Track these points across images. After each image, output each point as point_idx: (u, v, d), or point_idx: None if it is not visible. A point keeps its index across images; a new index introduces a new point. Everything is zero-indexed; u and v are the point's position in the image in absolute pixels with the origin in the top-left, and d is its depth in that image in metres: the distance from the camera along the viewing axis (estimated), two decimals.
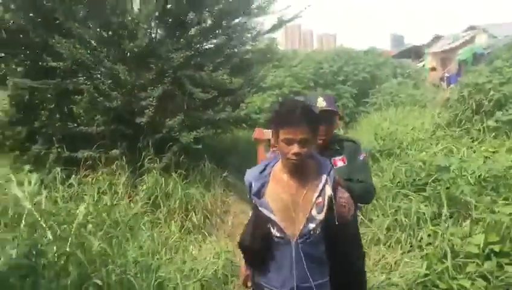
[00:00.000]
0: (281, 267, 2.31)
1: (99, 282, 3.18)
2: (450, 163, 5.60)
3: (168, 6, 6.74)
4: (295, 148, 2.19)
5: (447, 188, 5.21)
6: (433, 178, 5.57)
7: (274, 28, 8.21)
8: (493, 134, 7.59)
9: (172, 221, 5.91)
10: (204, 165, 7.09)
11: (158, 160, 6.53)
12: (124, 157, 6.45)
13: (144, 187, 6.23)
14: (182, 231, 5.82)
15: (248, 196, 2.41)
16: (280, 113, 2.28)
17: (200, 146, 6.59)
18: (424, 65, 28.80)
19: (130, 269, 3.79)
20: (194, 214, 6.21)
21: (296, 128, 2.17)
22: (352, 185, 2.69)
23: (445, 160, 5.81)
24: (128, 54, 6.45)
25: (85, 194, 5.52)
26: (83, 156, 6.37)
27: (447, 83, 22.97)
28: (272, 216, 2.28)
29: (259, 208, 2.31)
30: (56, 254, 3.26)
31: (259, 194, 2.33)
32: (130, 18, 6.24)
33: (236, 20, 7.72)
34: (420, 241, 4.86)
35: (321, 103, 2.93)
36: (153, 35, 6.94)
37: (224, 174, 7.28)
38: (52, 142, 6.47)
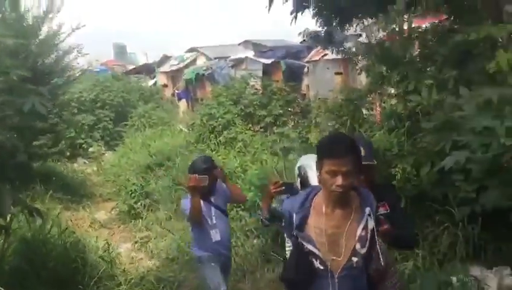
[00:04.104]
0: None
1: None
2: None
3: None
4: (339, 180, 2.17)
5: None
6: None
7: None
8: (224, 146, 12.03)
9: None
10: None
11: None
12: None
13: None
14: None
15: (283, 225, 2.48)
16: (325, 145, 2.28)
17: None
18: (156, 83, 31.20)
19: None
20: None
21: (340, 160, 2.16)
22: (400, 235, 2.64)
23: None
24: None
25: None
26: None
27: (178, 99, 26.11)
28: (315, 250, 2.27)
29: (302, 242, 2.31)
30: None
31: (301, 227, 2.32)
32: None
33: None
34: None
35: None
36: None
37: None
38: None
